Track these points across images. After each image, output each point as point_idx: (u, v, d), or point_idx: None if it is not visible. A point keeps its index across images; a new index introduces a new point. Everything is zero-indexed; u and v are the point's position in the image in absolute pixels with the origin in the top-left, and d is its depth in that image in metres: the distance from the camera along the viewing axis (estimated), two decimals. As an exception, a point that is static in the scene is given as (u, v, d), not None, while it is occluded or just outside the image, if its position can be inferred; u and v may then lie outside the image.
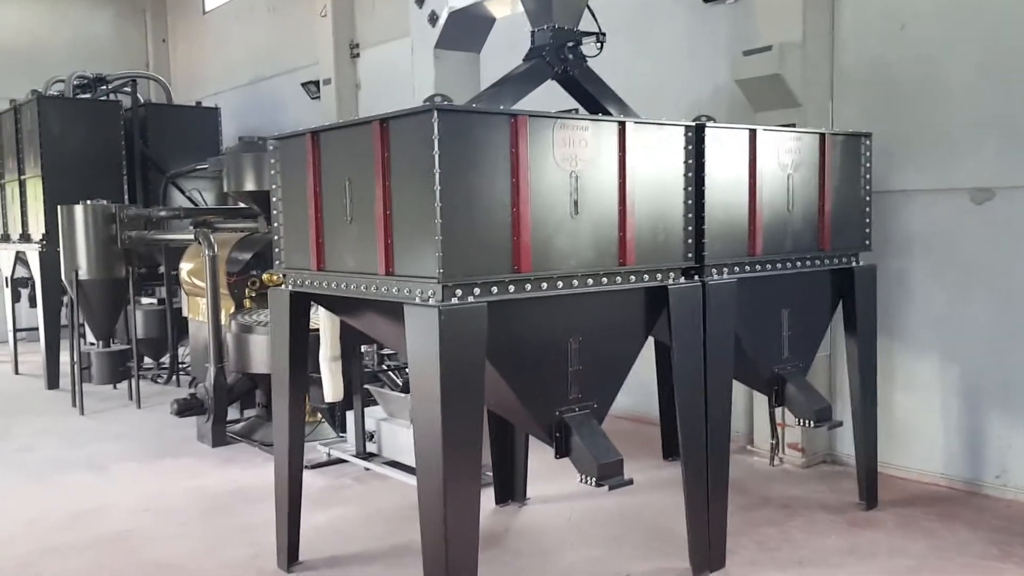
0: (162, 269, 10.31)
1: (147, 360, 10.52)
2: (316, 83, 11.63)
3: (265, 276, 8.36)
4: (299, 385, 4.73)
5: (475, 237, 3.63)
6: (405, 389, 6.82)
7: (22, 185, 10.99)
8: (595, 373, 4.09)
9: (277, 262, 4.67)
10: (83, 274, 8.94)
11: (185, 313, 9.03)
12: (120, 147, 11.07)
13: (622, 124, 4.08)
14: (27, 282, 11.75)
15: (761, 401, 6.42)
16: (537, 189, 3.78)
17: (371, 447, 6.79)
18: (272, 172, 4.64)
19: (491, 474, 5.70)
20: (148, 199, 11.51)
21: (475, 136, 3.62)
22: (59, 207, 9.14)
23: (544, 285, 3.85)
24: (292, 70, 12.40)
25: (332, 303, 4.58)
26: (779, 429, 6.38)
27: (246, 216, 9.40)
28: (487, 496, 5.26)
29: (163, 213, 9.29)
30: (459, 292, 3.58)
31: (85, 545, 5.28)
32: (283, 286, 4.65)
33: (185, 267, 8.82)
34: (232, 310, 7.97)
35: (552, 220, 3.85)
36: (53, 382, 10.34)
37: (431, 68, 5.97)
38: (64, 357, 10.21)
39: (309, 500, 5.07)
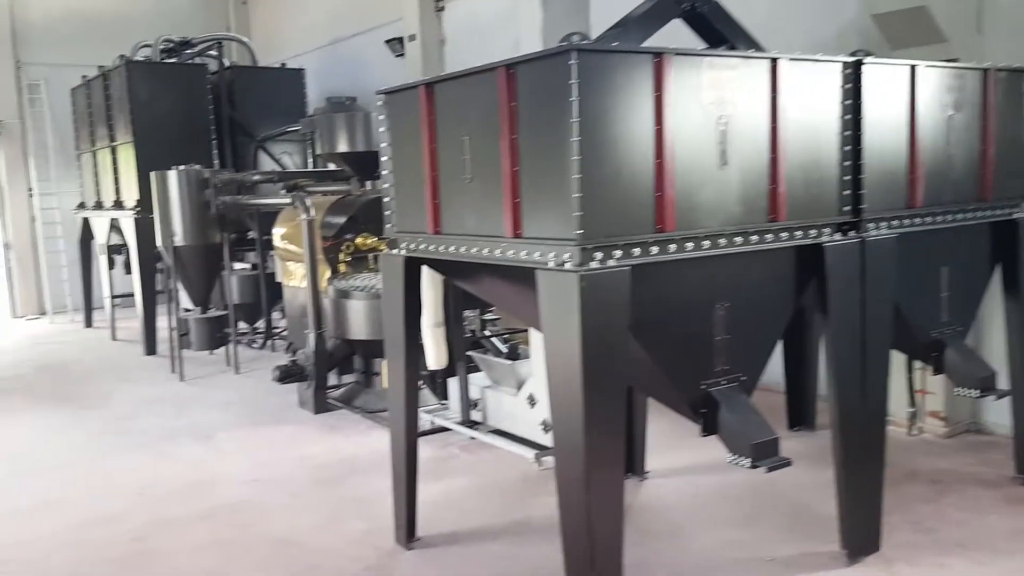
0: (252, 234, 10.24)
1: (241, 325, 10.50)
2: (400, 40, 11.27)
3: (359, 240, 8.17)
4: (414, 355, 4.47)
5: (615, 193, 3.26)
6: (510, 356, 6.54)
7: (113, 152, 11.02)
8: (743, 342, 3.69)
9: (388, 225, 4.39)
10: (179, 240, 8.88)
11: (279, 278, 8.92)
12: (208, 111, 10.97)
13: (774, 61, 3.62)
14: (121, 249, 11.86)
15: (897, 365, 5.91)
16: (682, 137, 3.37)
17: (475, 415, 6.55)
18: (380, 129, 4.34)
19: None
20: (237, 163, 11.43)
21: (616, 79, 3.22)
22: (152, 173, 9.08)
23: (689, 245, 3.45)
24: (374, 28, 12.07)
25: (448, 268, 4.27)
26: (918, 396, 5.89)
27: (337, 178, 9.22)
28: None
29: (256, 177, 9.15)
30: (599, 255, 3.22)
31: (198, 517, 5.18)
32: (394, 250, 4.37)
33: (278, 232, 8.68)
34: (328, 275, 7.80)
35: (698, 172, 3.44)
36: (151, 348, 10.42)
37: (538, 13, 5.55)
38: (161, 323, 10.28)
39: (419, 470, 4.84)
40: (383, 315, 4.56)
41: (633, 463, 5.43)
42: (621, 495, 3.38)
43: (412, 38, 11.02)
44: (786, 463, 3.51)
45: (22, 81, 13.98)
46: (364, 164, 7.94)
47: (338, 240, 8.04)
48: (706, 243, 3.50)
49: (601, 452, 3.26)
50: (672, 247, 3.41)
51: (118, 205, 10.94)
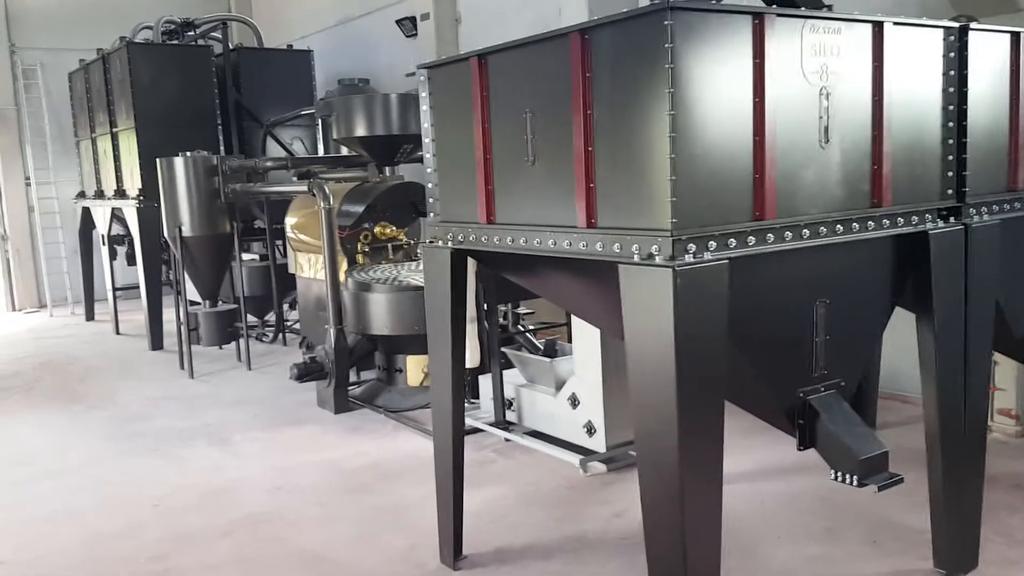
0: (259, 223, 9.80)
1: (250, 318, 10.09)
2: (412, 19, 10.80)
3: (377, 229, 7.78)
4: (460, 355, 4.07)
5: (709, 176, 2.85)
6: (547, 353, 6.14)
7: (115, 139, 10.57)
8: (843, 344, 3.29)
9: (432, 214, 3.98)
10: (186, 231, 8.44)
11: (291, 270, 8.50)
12: (213, 95, 10.51)
13: (878, 25, 3.21)
14: (123, 239, 11.44)
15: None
16: (784, 111, 2.96)
17: (510, 415, 6.16)
18: (423, 108, 3.92)
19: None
20: (244, 149, 10.97)
21: (712, 43, 2.81)
22: (158, 160, 8.63)
23: (788, 235, 3.05)
24: (384, 7, 11.58)
25: (502, 263, 3.85)
26: (989, 392, 5.51)
27: (353, 164, 8.80)
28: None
29: (268, 164, 8.71)
30: (692, 247, 2.81)
31: (221, 531, 4.78)
32: (438, 242, 3.96)
33: (290, 221, 8.25)
34: (345, 266, 7.39)
35: (800, 151, 3.04)
36: (157, 343, 10.01)
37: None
38: (167, 316, 9.86)
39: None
40: (426, 312, 4.14)
41: (688, 468, 5.04)
42: (719, 513, 2.98)
43: (425, 17, 10.55)
44: (898, 480, 3.11)
45: (17, 66, 13.52)
46: (384, 149, 7.50)
47: (356, 230, 7.64)
48: (806, 232, 3.09)
49: (698, 468, 2.87)
50: (771, 237, 3.00)
51: (120, 194, 10.49)
